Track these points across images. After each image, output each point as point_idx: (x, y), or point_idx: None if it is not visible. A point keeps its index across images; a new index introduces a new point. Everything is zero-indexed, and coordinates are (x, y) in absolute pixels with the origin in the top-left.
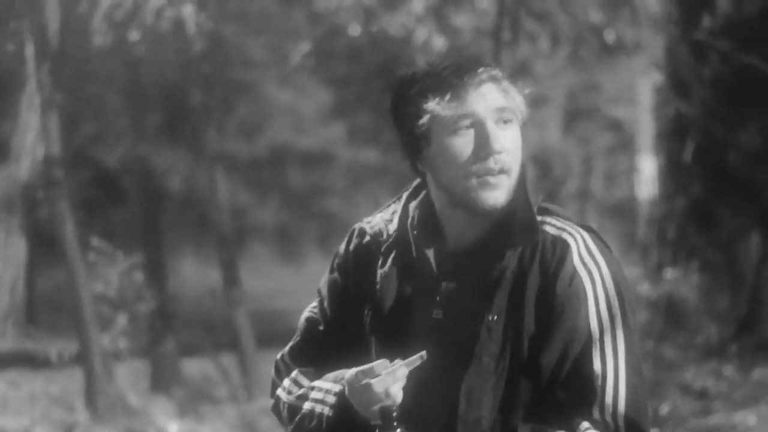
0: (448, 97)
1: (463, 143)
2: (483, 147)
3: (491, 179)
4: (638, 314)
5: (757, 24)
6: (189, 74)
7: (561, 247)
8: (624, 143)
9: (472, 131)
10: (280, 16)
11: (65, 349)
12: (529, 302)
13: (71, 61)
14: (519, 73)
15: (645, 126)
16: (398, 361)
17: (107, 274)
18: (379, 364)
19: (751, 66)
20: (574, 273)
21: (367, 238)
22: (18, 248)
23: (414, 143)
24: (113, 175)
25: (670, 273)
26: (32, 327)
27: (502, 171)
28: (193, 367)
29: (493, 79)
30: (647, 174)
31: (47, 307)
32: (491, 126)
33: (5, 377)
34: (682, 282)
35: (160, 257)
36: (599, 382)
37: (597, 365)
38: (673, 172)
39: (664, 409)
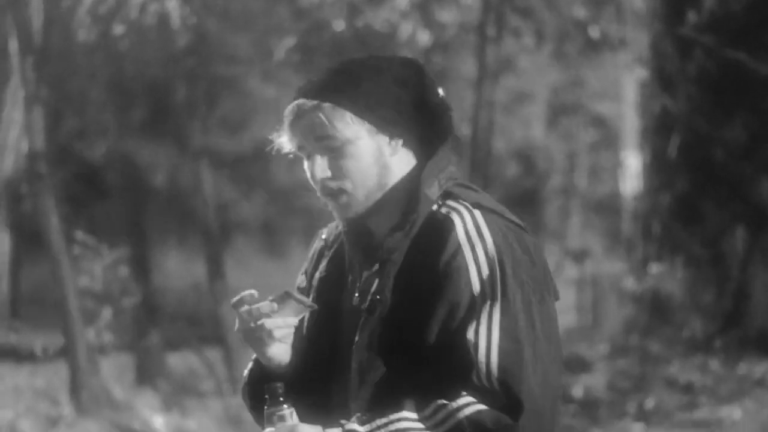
0: (282, 131)
1: (307, 170)
2: (312, 176)
3: (329, 200)
4: (622, 309)
5: (742, 19)
6: (173, 69)
7: (445, 226)
8: (608, 139)
9: (307, 161)
10: (264, 12)
11: (50, 342)
12: (415, 281)
13: (55, 56)
14: (503, 68)
15: (630, 122)
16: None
17: (92, 268)
18: (266, 305)
19: (737, 61)
20: (458, 249)
21: (322, 241)
22: (1, 243)
23: None
24: (97, 170)
25: (655, 268)
26: (16, 321)
27: (331, 194)
28: (178, 361)
29: (314, 109)
30: (632, 169)
31: (31, 301)
32: (315, 156)
33: None
34: (667, 277)
35: (145, 251)
36: (473, 349)
37: (471, 334)
38: (658, 168)
39: (650, 403)
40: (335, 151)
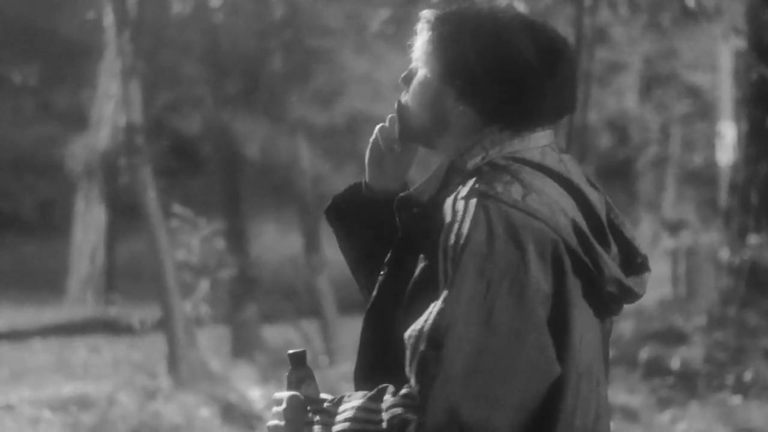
0: None
1: None
2: None
3: None
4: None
5: None
6: (267, 41)
7: (440, 210)
8: (702, 110)
9: None
10: None
11: (147, 315)
12: (410, 259)
13: (150, 29)
14: (597, 39)
15: (725, 92)
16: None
17: (189, 240)
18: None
19: None
20: (441, 235)
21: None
22: (98, 216)
23: None
24: (192, 143)
25: (753, 239)
26: (113, 294)
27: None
28: (275, 334)
29: (419, 29)
30: (728, 140)
31: (128, 274)
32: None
33: (87, 343)
34: (765, 248)
35: (241, 224)
36: (408, 336)
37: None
38: (755, 138)
39: (749, 375)
40: (409, 77)
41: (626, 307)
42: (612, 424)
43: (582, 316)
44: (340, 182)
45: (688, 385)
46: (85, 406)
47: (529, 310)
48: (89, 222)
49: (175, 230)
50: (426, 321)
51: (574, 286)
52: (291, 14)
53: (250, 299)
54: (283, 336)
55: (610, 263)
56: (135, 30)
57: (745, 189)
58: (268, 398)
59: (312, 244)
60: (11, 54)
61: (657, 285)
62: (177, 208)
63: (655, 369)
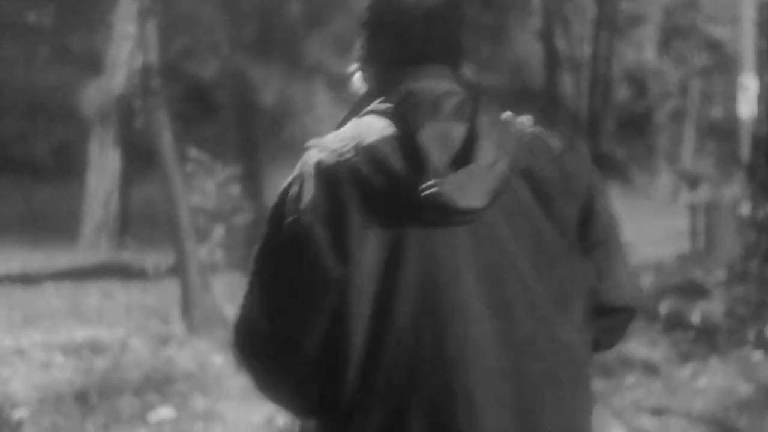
0: None
1: None
2: None
3: None
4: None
5: None
6: None
7: None
8: (722, 63)
9: None
10: None
11: (161, 260)
12: None
13: None
14: None
15: (748, 44)
16: None
17: (204, 185)
18: None
19: None
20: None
21: None
22: (112, 160)
23: None
24: (208, 88)
25: None
26: (127, 238)
27: None
28: None
29: None
30: (750, 93)
31: (142, 219)
32: None
33: (100, 288)
34: None
35: (257, 169)
36: None
37: None
38: None
39: None
40: None
41: (645, 259)
42: (632, 377)
43: (372, 230)
44: None
45: (708, 340)
46: (98, 351)
47: (304, 230)
48: (103, 166)
49: (190, 175)
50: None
51: (357, 203)
52: None
53: None
54: None
55: (404, 177)
56: None
57: (767, 142)
58: None
59: None
60: None
61: (675, 239)
62: (193, 152)
63: (675, 323)
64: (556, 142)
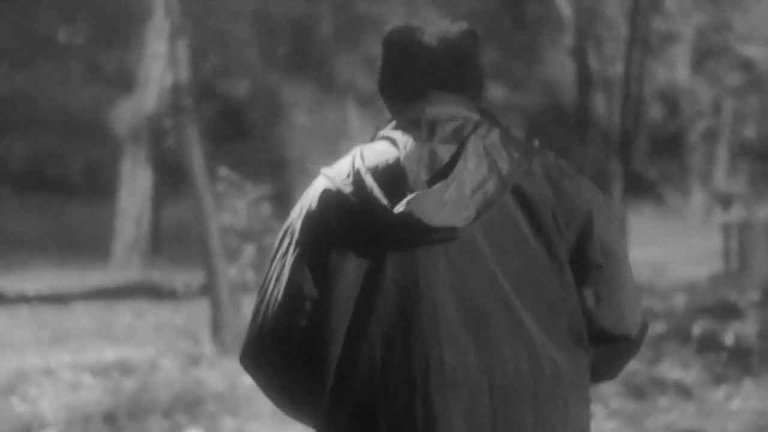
0: None
1: None
2: None
3: None
4: None
5: None
6: (317, 5)
7: None
8: (756, 82)
9: None
10: None
11: (191, 280)
12: None
13: None
14: (650, 9)
15: None
16: None
17: (235, 204)
18: None
19: None
20: None
21: None
22: (144, 179)
23: None
24: (240, 107)
25: None
26: (158, 258)
27: None
28: None
29: None
30: None
31: (172, 238)
32: None
33: (131, 307)
34: None
35: (288, 189)
36: None
37: None
38: None
39: None
40: None
41: (678, 280)
42: (665, 400)
43: (353, 249)
44: None
45: (742, 362)
46: (127, 371)
47: (299, 246)
48: (135, 185)
49: (221, 194)
50: None
51: (341, 227)
52: None
53: None
54: None
55: (383, 198)
56: None
57: None
58: None
59: None
60: (60, 14)
61: (708, 259)
62: (224, 171)
63: (708, 344)
64: (559, 164)
